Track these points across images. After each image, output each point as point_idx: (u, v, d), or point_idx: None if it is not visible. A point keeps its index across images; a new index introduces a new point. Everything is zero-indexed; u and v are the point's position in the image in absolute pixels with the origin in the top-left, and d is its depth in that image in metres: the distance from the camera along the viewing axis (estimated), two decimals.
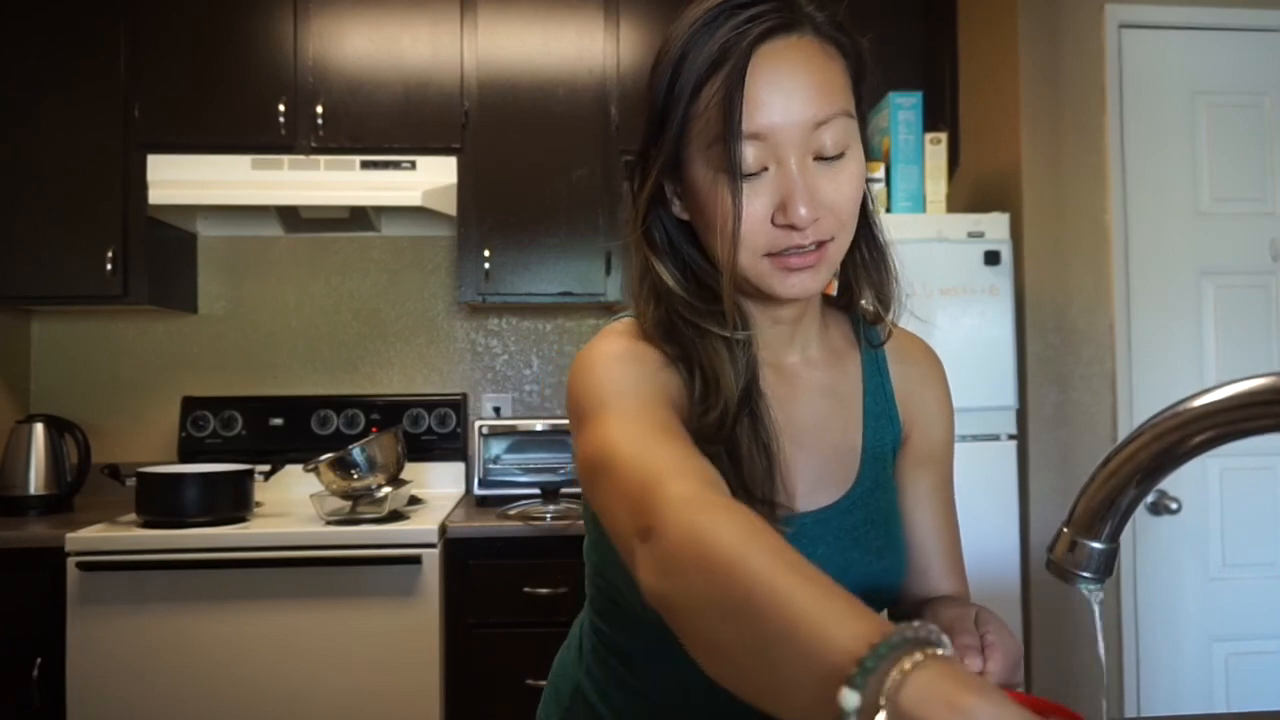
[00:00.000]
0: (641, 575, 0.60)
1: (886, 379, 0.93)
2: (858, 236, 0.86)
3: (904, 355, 0.95)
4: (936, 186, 2.31)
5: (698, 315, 0.82)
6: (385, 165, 2.58)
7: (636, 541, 0.61)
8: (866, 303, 0.90)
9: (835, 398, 0.90)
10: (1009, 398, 2.25)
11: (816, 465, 0.87)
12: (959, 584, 0.94)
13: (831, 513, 0.86)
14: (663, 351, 0.81)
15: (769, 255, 0.78)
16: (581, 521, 2.27)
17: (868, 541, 0.86)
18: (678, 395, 0.79)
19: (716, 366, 0.80)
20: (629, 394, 0.75)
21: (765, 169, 0.77)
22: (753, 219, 0.77)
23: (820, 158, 0.77)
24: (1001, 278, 2.24)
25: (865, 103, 0.84)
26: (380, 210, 2.79)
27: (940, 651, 0.45)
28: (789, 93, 0.75)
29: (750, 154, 0.76)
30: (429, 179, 2.59)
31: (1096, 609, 0.65)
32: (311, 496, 2.39)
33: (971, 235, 2.26)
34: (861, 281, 0.90)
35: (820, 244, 0.79)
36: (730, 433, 0.78)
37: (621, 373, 0.78)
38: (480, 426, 2.69)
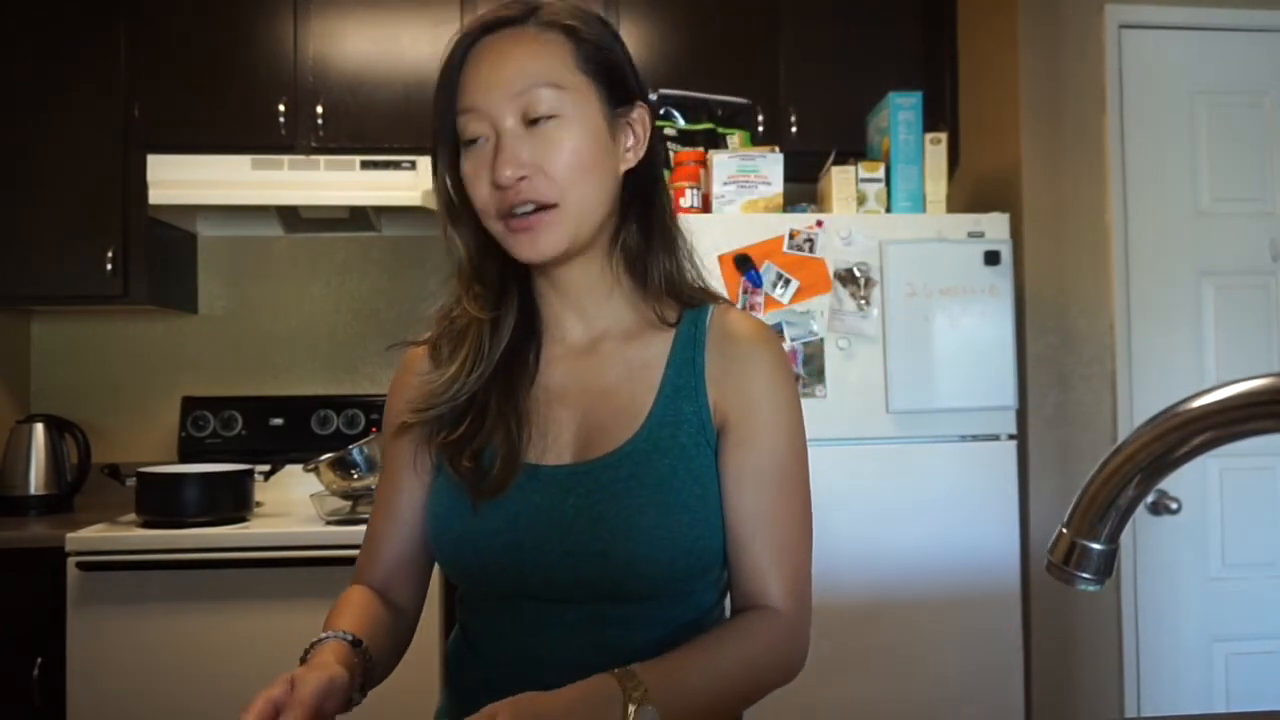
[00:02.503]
0: None
1: (699, 356, 0.93)
2: (629, 221, 0.95)
3: (727, 335, 0.95)
4: (936, 186, 2.31)
5: (469, 300, 0.95)
6: (385, 165, 2.58)
7: None
8: (657, 282, 0.96)
9: (631, 368, 0.94)
10: (1009, 398, 2.25)
11: (590, 427, 0.93)
12: (785, 586, 0.91)
13: (592, 467, 0.90)
14: (429, 343, 0.99)
15: (503, 219, 0.89)
16: None
17: (629, 498, 0.88)
18: (422, 385, 0.96)
19: (463, 345, 0.94)
20: (384, 467, 1.03)
21: (484, 138, 0.88)
22: (480, 185, 0.89)
23: (530, 123, 0.87)
24: (1001, 278, 2.24)
25: (620, 85, 0.93)
26: (380, 210, 2.79)
27: None
28: (490, 71, 0.88)
29: (468, 125, 0.89)
30: (429, 179, 2.57)
31: None
32: (311, 496, 2.39)
33: (971, 235, 2.26)
34: (629, 264, 0.95)
35: (541, 208, 0.87)
36: (466, 395, 0.93)
37: (387, 413, 1.02)
38: None
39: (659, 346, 0.95)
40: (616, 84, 0.92)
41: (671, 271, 0.96)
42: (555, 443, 0.93)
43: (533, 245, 0.88)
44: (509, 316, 0.95)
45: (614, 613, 0.90)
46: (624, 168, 0.93)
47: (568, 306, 0.96)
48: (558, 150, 0.87)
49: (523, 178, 0.86)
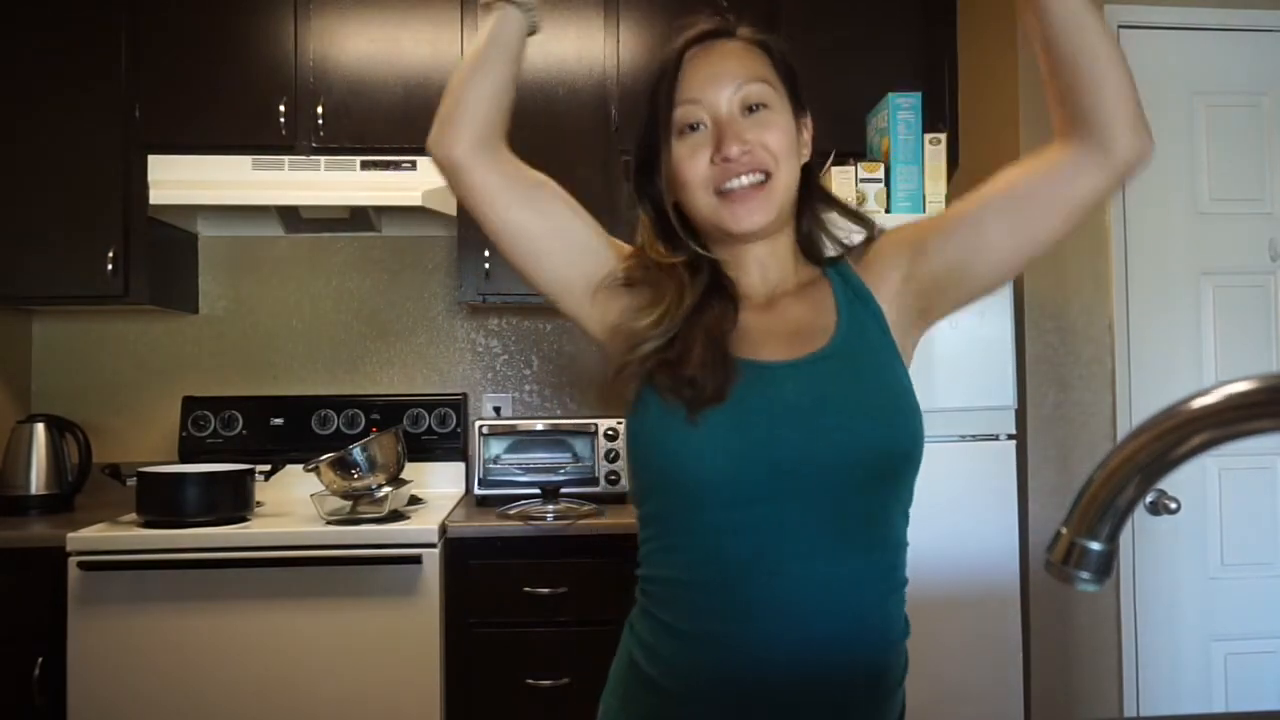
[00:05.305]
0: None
1: (851, 276, 1.08)
2: (809, 206, 1.11)
3: (861, 251, 1.11)
4: (936, 186, 2.31)
5: (663, 255, 1.09)
6: (385, 165, 2.58)
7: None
8: (830, 248, 1.12)
9: (808, 305, 1.08)
10: (1008, 398, 2.25)
11: (789, 342, 1.04)
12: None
13: (804, 360, 1.02)
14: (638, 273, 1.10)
15: (718, 194, 1.02)
16: (582, 521, 2.30)
17: (844, 382, 1.00)
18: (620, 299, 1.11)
19: (663, 291, 1.05)
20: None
21: (703, 125, 1.03)
22: (697, 163, 1.03)
23: (747, 109, 1.03)
24: None
25: (803, 100, 1.11)
26: (380, 210, 2.79)
27: None
28: (712, 68, 1.04)
29: (689, 113, 1.03)
30: (429, 179, 2.59)
31: None
32: (312, 496, 2.40)
33: None
34: (821, 231, 1.12)
35: (756, 185, 1.01)
36: (675, 329, 1.02)
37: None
38: (480, 426, 2.69)
39: (822, 287, 1.08)
40: (796, 92, 1.09)
41: (825, 244, 1.13)
42: (761, 351, 1.02)
43: (750, 216, 1.02)
44: (701, 272, 1.07)
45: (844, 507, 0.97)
46: (802, 161, 1.08)
47: (751, 273, 1.08)
48: (773, 129, 1.03)
49: (747, 151, 1.01)
